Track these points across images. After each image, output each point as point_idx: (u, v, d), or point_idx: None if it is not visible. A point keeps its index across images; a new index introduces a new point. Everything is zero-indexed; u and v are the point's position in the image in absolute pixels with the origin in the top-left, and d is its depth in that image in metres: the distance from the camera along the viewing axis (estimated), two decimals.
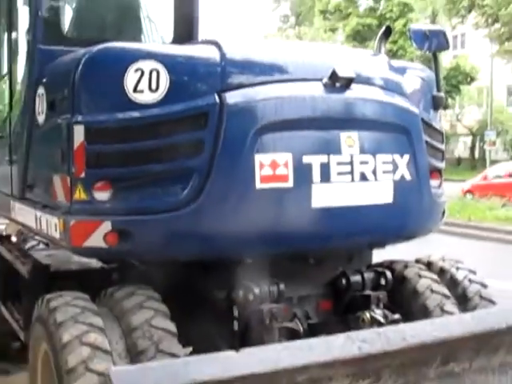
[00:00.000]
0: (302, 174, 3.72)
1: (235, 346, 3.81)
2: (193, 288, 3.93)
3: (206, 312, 3.92)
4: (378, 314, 3.87)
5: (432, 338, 3.46)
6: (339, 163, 3.83)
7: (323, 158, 3.78)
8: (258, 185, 3.62)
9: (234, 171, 3.61)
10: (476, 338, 3.64)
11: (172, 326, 3.55)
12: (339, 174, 3.83)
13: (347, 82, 3.89)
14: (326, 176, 3.78)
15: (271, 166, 3.65)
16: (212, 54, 3.74)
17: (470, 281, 4.60)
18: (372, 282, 4.21)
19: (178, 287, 3.92)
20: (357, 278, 4.18)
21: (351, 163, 3.87)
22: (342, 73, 3.83)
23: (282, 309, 3.81)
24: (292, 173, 3.69)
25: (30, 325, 4.55)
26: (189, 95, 3.64)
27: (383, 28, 4.70)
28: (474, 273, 4.69)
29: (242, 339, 3.83)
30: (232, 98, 3.63)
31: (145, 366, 3.06)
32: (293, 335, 3.86)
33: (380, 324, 3.78)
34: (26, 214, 4.56)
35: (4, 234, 6.14)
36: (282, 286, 3.83)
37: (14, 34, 4.84)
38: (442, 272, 4.64)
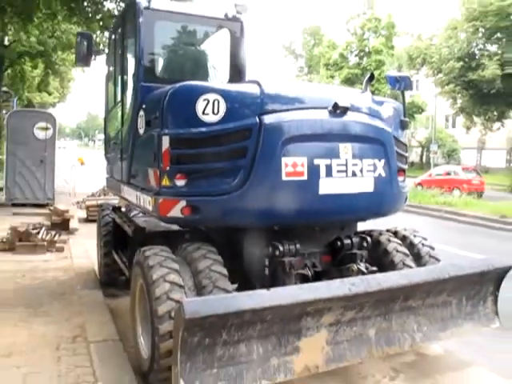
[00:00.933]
0: (313, 171, 3.79)
1: (266, 286, 3.92)
2: (237, 244, 4.00)
3: (246, 261, 3.99)
4: (362, 266, 3.92)
5: (397, 284, 3.52)
6: (338, 164, 3.91)
7: (327, 161, 3.86)
8: (284, 177, 3.71)
9: (267, 168, 3.69)
10: (427, 284, 3.68)
11: (224, 271, 3.65)
12: (338, 171, 3.91)
13: (344, 110, 3.97)
14: (329, 173, 3.86)
15: (293, 165, 3.72)
16: (254, 89, 3.82)
17: (423, 244, 4.72)
18: (358, 244, 4.29)
19: (228, 244, 4.00)
20: (347, 241, 4.25)
21: (346, 165, 3.95)
22: (341, 103, 3.92)
23: (297, 260, 3.88)
24: (306, 170, 3.77)
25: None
26: (238, 117, 3.74)
27: (369, 74, 4.69)
28: (425, 239, 4.80)
29: (271, 281, 3.90)
30: (267, 119, 3.72)
31: (205, 298, 3.16)
32: (304, 279, 3.93)
33: (363, 273, 3.82)
34: (130, 194, 4.70)
35: (116, 205, 6.26)
36: (298, 245, 3.91)
37: (124, 76, 4.96)
38: (404, 238, 4.73)
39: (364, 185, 4.06)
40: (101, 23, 16.58)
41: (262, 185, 3.70)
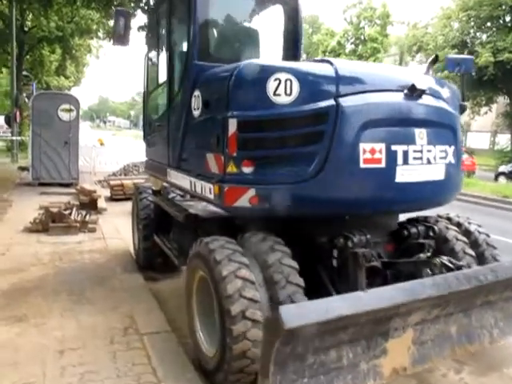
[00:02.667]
0: (391, 158, 3.21)
1: (334, 279, 3.34)
2: (302, 235, 3.42)
3: (312, 252, 3.42)
4: (445, 260, 3.33)
5: (480, 282, 2.96)
6: (414, 151, 3.32)
7: (404, 147, 3.27)
8: (362, 165, 3.12)
9: (345, 155, 3.10)
10: (506, 281, 3.14)
11: (295, 264, 3.09)
12: (414, 158, 3.32)
13: (421, 93, 3.35)
14: (405, 160, 3.28)
15: (371, 152, 3.13)
16: (328, 69, 3.19)
17: (479, 232, 4.14)
18: (424, 233, 3.74)
19: (291, 234, 3.41)
20: (414, 229, 3.71)
21: (421, 151, 3.36)
22: (419, 86, 3.31)
23: (369, 252, 3.30)
24: (384, 157, 3.17)
25: (182, 255, 4.16)
26: (313, 99, 3.12)
27: (433, 56, 4.04)
28: (480, 226, 4.22)
29: (339, 273, 3.36)
30: (345, 102, 3.11)
31: (301, 304, 2.57)
32: (372, 271, 3.36)
33: (449, 268, 3.23)
34: (180, 179, 4.08)
35: (155, 189, 5.63)
36: (368, 236, 3.33)
37: (171, 56, 4.28)
38: (458, 225, 4.14)
39: (436, 172, 3.47)
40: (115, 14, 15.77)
41: (339, 172, 3.10)
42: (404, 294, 2.61)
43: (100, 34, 19.69)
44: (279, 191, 3.11)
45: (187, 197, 5.48)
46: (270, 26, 4.49)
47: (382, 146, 3.15)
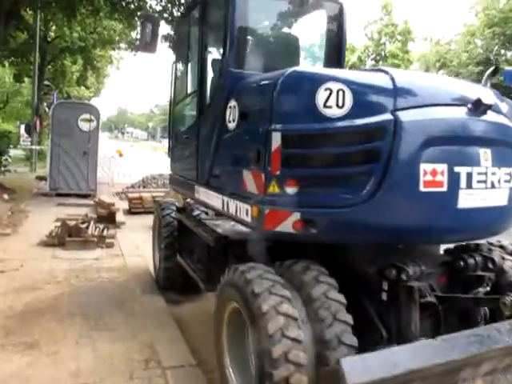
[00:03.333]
0: (453, 181, 2.81)
1: (383, 314, 2.95)
2: (347, 263, 3.03)
3: (357, 283, 3.02)
4: None
5: None
6: (479, 173, 2.91)
7: (468, 169, 2.86)
8: (421, 188, 2.72)
9: (404, 176, 2.71)
10: None
11: (343, 298, 2.70)
12: (478, 182, 2.91)
13: (486, 108, 2.95)
14: (469, 183, 2.87)
15: (432, 173, 2.74)
16: (384, 79, 2.83)
17: None
18: (481, 264, 3.31)
19: (337, 262, 3.02)
20: (471, 260, 3.27)
21: (486, 174, 2.95)
22: (485, 100, 2.92)
23: (426, 286, 2.90)
24: (446, 180, 2.77)
25: (210, 280, 3.80)
26: (368, 112, 2.74)
27: (492, 68, 3.65)
28: None
29: (389, 308, 2.95)
30: (404, 116, 2.72)
31: (364, 356, 2.17)
32: (425, 307, 2.95)
33: None
34: (210, 197, 3.74)
35: (179, 205, 5.32)
36: (423, 267, 2.93)
37: (203, 64, 3.96)
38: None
39: (500, 197, 3.06)
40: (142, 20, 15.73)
41: (396, 196, 2.71)
42: (479, 343, 2.22)
43: (122, 45, 19.76)
44: (327, 216, 2.74)
45: (211, 214, 5.16)
46: (311, 33, 4.17)
47: (444, 166, 2.76)
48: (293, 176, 2.77)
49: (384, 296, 2.99)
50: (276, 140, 2.75)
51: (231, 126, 3.35)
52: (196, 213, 5.18)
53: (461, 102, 2.94)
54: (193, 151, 4.12)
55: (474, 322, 3.12)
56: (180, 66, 4.70)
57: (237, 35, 3.45)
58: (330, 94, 2.70)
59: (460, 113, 2.90)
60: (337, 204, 2.73)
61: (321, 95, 2.70)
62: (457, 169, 2.81)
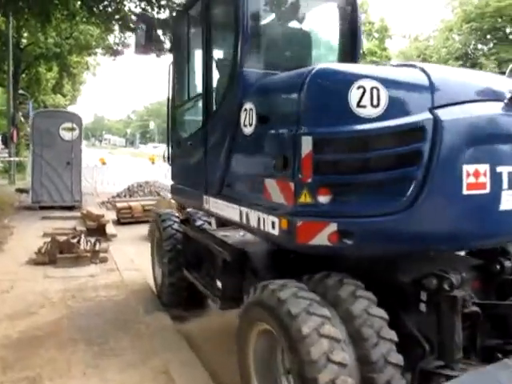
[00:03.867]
0: (496, 181, 2.63)
1: (421, 325, 2.73)
2: (381, 274, 2.81)
3: (393, 295, 2.79)
4: None
5: None
6: None
7: (509, 168, 2.68)
8: (464, 191, 2.53)
9: (447, 179, 2.51)
10: None
11: (384, 313, 2.48)
12: None
13: None
14: (511, 183, 2.65)
15: (474, 175, 2.55)
16: (418, 75, 2.63)
17: None
18: None
19: (369, 273, 2.80)
20: (508, 263, 3.09)
21: None
22: None
23: (470, 295, 2.70)
24: (489, 181, 2.58)
25: (226, 297, 3.53)
26: (405, 111, 2.55)
27: None
28: None
29: (429, 320, 2.72)
30: (443, 115, 2.53)
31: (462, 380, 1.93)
32: (470, 317, 2.75)
33: None
34: (223, 208, 3.46)
35: (182, 217, 5.03)
36: (464, 274, 2.73)
37: (209, 64, 3.67)
38: None
39: None
40: (120, 23, 15.22)
41: (439, 201, 2.51)
42: None
43: (99, 50, 19.23)
44: (365, 226, 2.51)
45: (213, 224, 4.89)
46: (324, 27, 3.93)
47: (487, 167, 2.58)
48: (326, 184, 2.54)
49: (423, 307, 2.77)
50: (307, 145, 2.51)
51: (247, 130, 3.09)
52: (198, 223, 4.90)
53: (495, 96, 2.75)
54: (199, 159, 3.84)
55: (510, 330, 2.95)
56: (179, 67, 4.41)
57: (250, 32, 3.19)
58: (364, 92, 2.48)
59: (497, 109, 2.71)
60: (375, 213, 2.50)
61: (353, 94, 2.48)
62: (499, 169, 2.63)
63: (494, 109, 2.70)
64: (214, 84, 3.70)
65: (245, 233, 3.85)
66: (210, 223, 5.02)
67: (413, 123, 2.48)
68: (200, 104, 3.84)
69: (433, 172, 2.46)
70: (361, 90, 2.48)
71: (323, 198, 2.54)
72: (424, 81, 2.58)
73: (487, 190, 2.59)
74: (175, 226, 4.92)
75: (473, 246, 2.87)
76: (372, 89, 2.48)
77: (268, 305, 2.59)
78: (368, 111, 2.48)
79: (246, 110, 3.11)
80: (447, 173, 2.49)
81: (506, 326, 2.98)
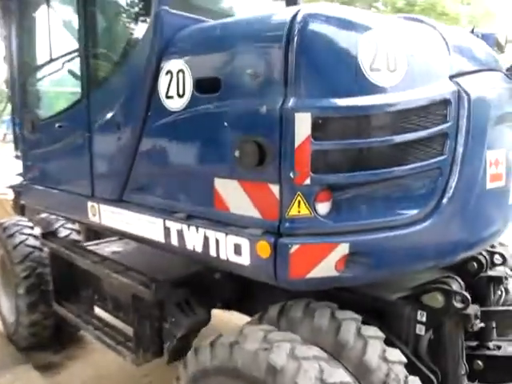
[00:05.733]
0: (510, 171, 2.07)
1: (418, 350, 2.09)
2: (360, 290, 2.08)
3: (380, 317, 2.09)
4: None
5: None
6: None
7: None
8: (488, 185, 1.93)
9: (474, 171, 1.86)
10: None
11: (401, 355, 1.74)
12: None
13: None
14: None
15: (495, 163, 1.97)
16: (434, 34, 1.92)
17: None
18: (490, 260, 2.63)
19: (347, 294, 2.05)
20: (482, 258, 2.55)
21: None
22: None
23: (478, 309, 2.13)
24: (504, 170, 2.03)
25: (143, 347, 2.42)
26: (423, 79, 1.77)
27: None
28: None
29: (427, 344, 2.10)
30: (466, 85, 1.84)
31: None
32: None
33: None
34: (129, 221, 2.27)
35: (40, 228, 3.53)
36: (461, 282, 2.16)
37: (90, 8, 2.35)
38: None
39: None
40: None
41: (467, 199, 1.84)
42: None
43: None
44: (385, 242, 1.71)
45: (82, 233, 3.62)
46: None
47: (503, 153, 2.01)
48: (328, 186, 1.64)
49: (421, 330, 2.12)
50: (303, 126, 1.56)
51: (174, 104, 1.97)
52: (63, 233, 3.52)
53: (493, 66, 2.19)
54: (78, 147, 2.51)
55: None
56: (30, 8, 2.87)
57: None
58: (377, 50, 1.64)
59: (500, 80, 2.16)
60: (395, 222, 1.72)
61: (364, 51, 1.61)
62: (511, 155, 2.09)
63: (499, 81, 2.15)
64: (101, 34, 2.40)
65: (137, 244, 2.76)
66: (79, 232, 3.68)
67: (437, 96, 1.74)
68: (75, 66, 2.47)
69: (460, 162, 1.78)
70: (373, 46, 1.63)
71: (323, 207, 1.65)
72: (440, 41, 1.87)
73: (503, 183, 2.03)
74: (30, 241, 3.43)
75: (484, 247, 2.29)
76: (387, 46, 1.66)
77: (246, 374, 1.62)
78: (383, 77, 1.65)
79: (169, 72, 1.97)
80: (474, 162, 1.84)
81: (482, 329, 2.57)
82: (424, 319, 2.09)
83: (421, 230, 1.74)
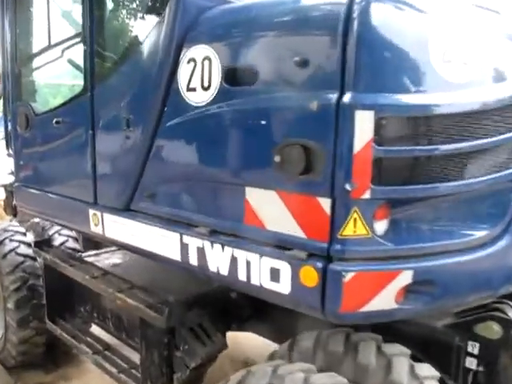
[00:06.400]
0: None
1: None
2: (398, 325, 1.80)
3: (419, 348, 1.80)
4: None
5: None
6: None
7: None
8: None
9: None
10: None
11: None
12: None
13: None
14: None
15: None
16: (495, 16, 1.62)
17: None
18: None
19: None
20: None
21: None
22: None
23: None
24: None
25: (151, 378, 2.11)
26: (498, 77, 1.50)
27: None
28: None
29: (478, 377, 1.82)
30: None
31: None
32: None
33: None
34: (138, 234, 1.96)
35: (34, 235, 3.20)
36: None
37: None
38: None
39: None
40: None
41: None
42: None
43: None
44: (452, 268, 1.41)
45: (80, 241, 3.29)
46: None
47: None
48: (388, 199, 1.34)
49: (473, 364, 1.84)
50: (365, 127, 1.26)
51: (198, 97, 1.66)
52: (59, 241, 3.19)
53: None
54: (80, 148, 2.18)
55: None
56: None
57: None
58: (448, 39, 1.35)
59: None
60: (463, 245, 1.43)
61: (436, 39, 1.32)
62: None
63: None
64: (110, 17, 2.08)
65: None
66: (76, 239, 3.35)
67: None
68: (77, 54, 2.15)
69: None
70: (445, 34, 1.34)
71: (381, 226, 1.35)
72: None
73: None
74: (22, 249, 3.08)
75: None
76: (459, 34, 1.37)
77: None
78: (455, 71, 1.36)
79: (192, 60, 1.66)
80: None
81: None
82: (476, 352, 1.81)
83: (490, 253, 1.46)
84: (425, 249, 1.39)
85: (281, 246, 1.46)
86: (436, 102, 1.32)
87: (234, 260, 1.58)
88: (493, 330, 1.77)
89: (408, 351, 1.57)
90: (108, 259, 2.76)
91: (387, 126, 1.29)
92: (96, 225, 2.19)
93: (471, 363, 1.80)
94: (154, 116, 1.81)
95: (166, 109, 1.78)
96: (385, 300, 1.35)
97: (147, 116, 1.84)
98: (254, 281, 1.52)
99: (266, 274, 1.49)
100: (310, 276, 1.37)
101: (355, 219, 1.32)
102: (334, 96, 1.30)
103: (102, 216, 2.14)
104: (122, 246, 2.15)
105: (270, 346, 2.25)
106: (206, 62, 1.61)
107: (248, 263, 1.53)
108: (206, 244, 1.67)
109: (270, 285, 1.48)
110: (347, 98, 1.27)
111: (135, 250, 2.03)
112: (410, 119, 1.31)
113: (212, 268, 1.66)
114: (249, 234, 1.55)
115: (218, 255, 1.63)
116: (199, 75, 1.64)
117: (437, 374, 1.56)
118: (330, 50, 1.31)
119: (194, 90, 1.67)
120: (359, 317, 1.37)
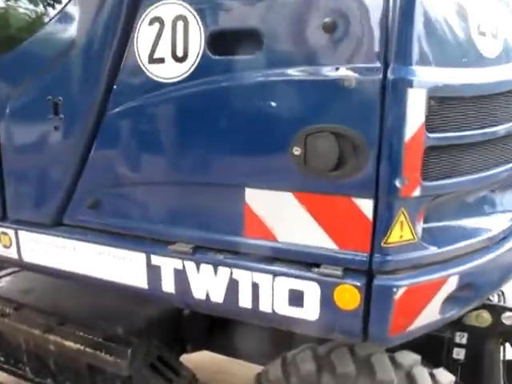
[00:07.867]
0: None
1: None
2: None
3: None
4: None
5: None
6: None
7: None
8: None
9: None
10: None
11: None
12: None
13: None
14: None
15: None
16: None
17: None
18: None
19: None
20: None
21: None
22: None
23: None
24: None
25: None
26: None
27: None
28: None
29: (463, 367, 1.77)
30: None
31: None
32: None
33: None
34: (78, 256, 1.45)
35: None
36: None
37: None
38: None
39: None
40: None
41: None
42: None
43: None
44: (485, 268, 1.25)
45: None
46: None
47: None
48: (433, 196, 1.11)
49: (460, 354, 1.77)
50: (417, 109, 1.00)
51: (169, 71, 1.22)
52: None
53: None
54: None
55: None
56: None
57: None
58: (483, 8, 1.16)
59: None
60: (490, 241, 1.28)
61: (471, 11, 1.12)
62: None
63: None
64: None
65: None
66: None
67: None
68: None
69: None
70: (476, 4, 1.14)
71: (419, 228, 1.12)
72: None
73: None
74: None
75: None
76: (487, 4, 1.19)
77: None
78: (488, 44, 1.18)
79: (157, 21, 1.21)
80: None
81: None
82: (464, 341, 1.73)
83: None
84: (458, 250, 1.20)
85: (301, 261, 1.15)
86: (486, 79, 1.13)
87: (232, 283, 1.21)
88: (483, 318, 1.71)
89: (418, 357, 1.41)
90: (12, 284, 2.11)
91: (438, 109, 1.04)
92: (6, 247, 1.59)
93: (458, 353, 1.73)
94: (96, 98, 1.32)
95: (114, 87, 1.30)
96: (430, 313, 1.13)
97: (86, 98, 1.34)
98: (264, 307, 1.18)
99: (282, 297, 1.15)
100: (348, 297, 1.08)
101: (402, 222, 1.06)
102: (375, 70, 1.01)
103: (16, 235, 1.56)
104: (52, 274, 1.59)
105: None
106: (180, 24, 1.19)
107: (255, 286, 1.18)
108: (189, 265, 1.26)
109: (288, 311, 1.15)
110: (395, 72, 0.99)
111: (73, 277, 1.50)
112: (465, 99, 1.08)
113: (198, 295, 1.27)
114: (252, 248, 1.19)
115: (207, 278, 1.24)
116: (168, 41, 1.21)
117: (453, 377, 1.42)
118: (368, 9, 1.01)
119: (160, 60, 1.23)
120: (405, 337, 1.13)
